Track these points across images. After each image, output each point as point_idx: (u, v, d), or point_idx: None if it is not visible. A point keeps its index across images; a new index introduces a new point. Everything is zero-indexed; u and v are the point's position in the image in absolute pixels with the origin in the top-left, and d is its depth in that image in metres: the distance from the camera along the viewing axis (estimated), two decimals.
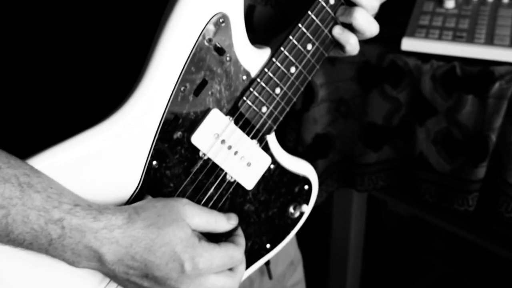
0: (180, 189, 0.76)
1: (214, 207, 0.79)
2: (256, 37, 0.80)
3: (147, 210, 0.71)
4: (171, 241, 0.70)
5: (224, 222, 0.77)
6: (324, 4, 0.78)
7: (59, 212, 0.67)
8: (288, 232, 0.88)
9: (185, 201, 0.74)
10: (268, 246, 0.87)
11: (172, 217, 0.71)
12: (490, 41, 1.31)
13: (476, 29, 1.32)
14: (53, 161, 0.70)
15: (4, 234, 0.66)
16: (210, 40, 0.73)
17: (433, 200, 1.42)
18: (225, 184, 0.79)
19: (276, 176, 0.84)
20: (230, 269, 0.75)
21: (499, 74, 1.29)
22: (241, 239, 0.79)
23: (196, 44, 0.72)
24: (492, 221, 1.42)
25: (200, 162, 0.76)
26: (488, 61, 1.29)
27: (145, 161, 0.74)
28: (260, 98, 0.78)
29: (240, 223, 0.81)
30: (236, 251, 0.75)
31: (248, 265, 0.84)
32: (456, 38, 1.29)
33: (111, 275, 0.72)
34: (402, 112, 1.37)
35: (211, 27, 0.72)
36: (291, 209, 0.87)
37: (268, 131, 0.80)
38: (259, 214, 0.84)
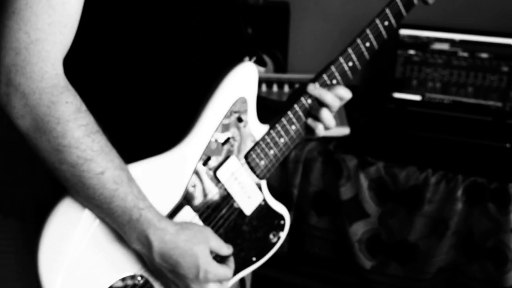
0: (205, 205, 1.13)
1: (222, 224, 1.16)
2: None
3: (189, 229, 1.05)
4: (197, 255, 1.04)
5: (225, 249, 1.12)
6: (304, 103, 1.20)
7: (143, 204, 1.01)
8: (268, 251, 1.25)
9: (209, 229, 1.09)
10: (254, 259, 1.23)
11: (202, 239, 1.06)
12: None
13: None
14: (134, 172, 1.04)
15: (108, 201, 0.99)
16: (235, 112, 1.13)
17: None
18: (232, 208, 1.16)
19: (264, 210, 1.22)
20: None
21: None
22: (232, 263, 1.14)
23: (226, 113, 1.12)
24: (300, 260, 1.93)
25: (220, 189, 1.15)
26: None
27: (186, 183, 1.10)
28: (261, 154, 1.18)
29: (238, 239, 1.18)
30: (229, 272, 1.10)
31: (239, 270, 1.20)
32: None
33: (150, 262, 1.05)
34: None
35: (237, 104, 1.13)
36: (271, 235, 1.23)
37: (263, 177, 1.20)
38: (251, 234, 1.21)
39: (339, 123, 1.98)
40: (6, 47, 0.94)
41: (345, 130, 1.97)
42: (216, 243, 1.09)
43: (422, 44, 2.15)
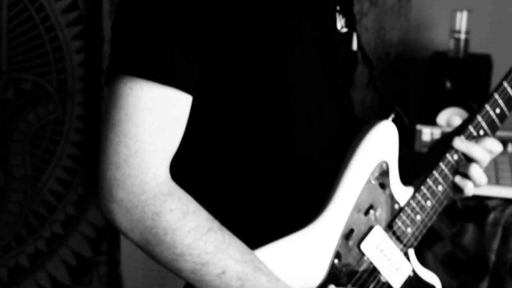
0: (350, 283, 1.06)
1: None
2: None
3: None
4: None
5: None
6: (450, 160, 1.11)
7: None
8: None
9: None
10: None
11: None
12: None
13: None
14: (267, 256, 0.99)
15: None
16: (376, 178, 1.07)
17: None
18: (380, 283, 1.08)
19: (414, 282, 1.12)
20: None
21: (492, 206, 1.75)
22: None
23: (367, 180, 1.06)
24: None
25: (365, 264, 1.07)
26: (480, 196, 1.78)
27: (330, 260, 1.03)
28: (407, 221, 1.10)
29: None
30: None
31: None
32: None
33: None
34: None
35: (377, 169, 1.07)
36: None
37: (411, 246, 1.11)
38: None
39: None
40: (107, 161, 0.93)
41: None
42: None
43: None
